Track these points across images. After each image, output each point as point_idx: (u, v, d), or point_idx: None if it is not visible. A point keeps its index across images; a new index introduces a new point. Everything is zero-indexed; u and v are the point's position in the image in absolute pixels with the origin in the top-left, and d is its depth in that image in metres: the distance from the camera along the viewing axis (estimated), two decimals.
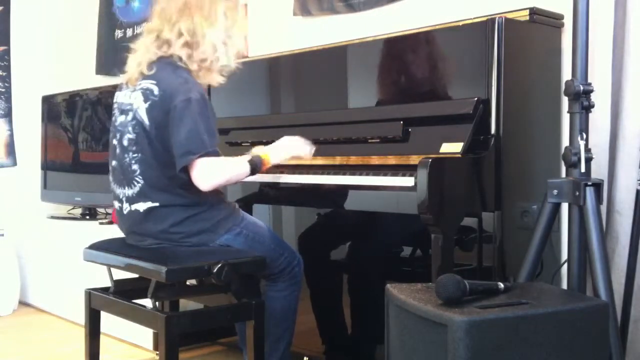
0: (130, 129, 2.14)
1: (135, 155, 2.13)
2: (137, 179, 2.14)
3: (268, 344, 2.24)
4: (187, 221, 2.14)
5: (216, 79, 2.22)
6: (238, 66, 2.26)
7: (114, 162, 2.24)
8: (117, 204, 2.25)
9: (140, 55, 2.18)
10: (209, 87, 2.41)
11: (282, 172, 2.41)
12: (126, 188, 2.18)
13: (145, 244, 2.19)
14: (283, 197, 2.53)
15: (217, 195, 2.23)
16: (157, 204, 2.13)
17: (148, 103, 2.10)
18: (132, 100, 2.15)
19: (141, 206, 2.15)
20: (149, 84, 2.12)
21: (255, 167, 2.16)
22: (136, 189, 2.15)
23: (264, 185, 2.47)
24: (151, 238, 2.17)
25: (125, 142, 2.16)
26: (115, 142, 2.22)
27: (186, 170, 2.07)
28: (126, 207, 2.19)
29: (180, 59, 2.14)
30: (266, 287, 2.30)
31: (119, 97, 2.27)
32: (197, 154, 2.03)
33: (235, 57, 2.24)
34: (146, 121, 2.10)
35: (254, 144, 2.58)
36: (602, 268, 1.76)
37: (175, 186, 2.13)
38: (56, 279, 3.71)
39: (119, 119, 2.22)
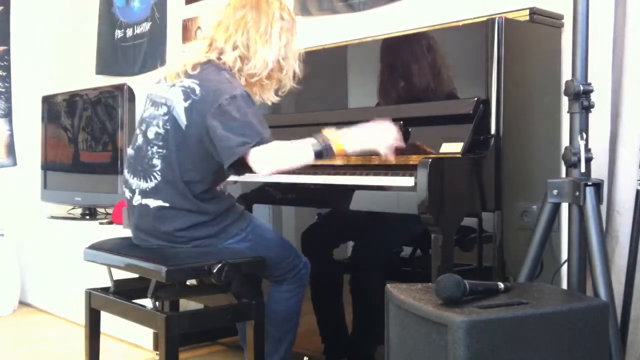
0: (160, 123, 2.12)
1: (160, 150, 2.11)
2: (155, 174, 2.12)
3: (269, 345, 2.24)
4: (192, 228, 2.13)
5: (270, 98, 2.24)
6: (294, 86, 2.25)
7: (131, 151, 2.22)
8: (128, 194, 2.22)
9: (188, 56, 2.17)
10: None
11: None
12: (142, 180, 2.15)
13: (148, 244, 2.18)
14: (283, 197, 2.53)
15: (228, 202, 2.22)
16: (167, 205, 2.11)
17: (188, 102, 2.08)
18: (169, 95, 2.13)
19: (152, 202, 2.13)
20: (191, 83, 2.10)
21: (321, 154, 2.04)
22: (152, 184, 2.13)
23: (264, 185, 2.47)
24: (155, 238, 2.16)
25: (150, 135, 2.14)
26: (138, 131, 2.21)
27: (242, 162, 2.03)
28: (137, 200, 2.17)
29: (231, 68, 2.14)
30: (270, 288, 2.29)
31: (154, 89, 2.23)
32: (253, 142, 2.00)
33: (291, 78, 2.23)
34: (183, 120, 2.08)
35: None
36: (602, 268, 1.76)
37: (189, 191, 2.11)
38: (56, 279, 3.72)
39: (149, 110, 2.20)
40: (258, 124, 2.03)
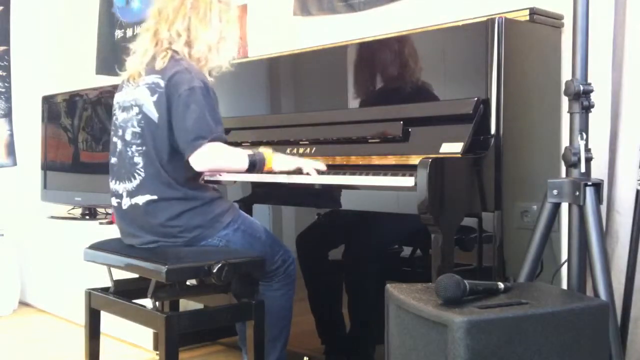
0: (134, 123, 2.18)
1: (139, 148, 2.17)
2: (138, 171, 2.17)
3: (265, 343, 2.24)
4: (184, 215, 2.16)
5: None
6: (229, 68, 2.32)
7: (113, 159, 2.27)
8: (115, 201, 2.26)
9: (140, 54, 2.25)
10: None
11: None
12: (126, 182, 2.20)
13: (142, 241, 2.19)
14: (283, 197, 2.53)
15: (215, 192, 2.27)
16: (155, 197, 2.15)
17: (155, 96, 2.15)
18: (137, 95, 2.19)
19: (141, 199, 2.17)
20: (154, 78, 2.16)
21: (255, 164, 2.18)
22: (136, 182, 2.18)
23: (264, 185, 2.47)
24: (149, 234, 2.17)
25: (128, 137, 2.20)
26: (116, 139, 2.26)
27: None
28: (126, 202, 2.20)
29: (181, 54, 2.20)
30: (261, 287, 2.30)
31: (119, 97, 2.30)
32: (207, 138, 2.09)
33: (228, 59, 2.30)
34: (155, 113, 2.15)
35: (253, 144, 2.59)
36: (602, 268, 1.76)
37: (174, 180, 2.16)
38: (56, 279, 3.72)
39: (120, 116, 2.25)
40: (212, 119, 2.12)
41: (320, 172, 2.22)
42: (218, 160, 2.15)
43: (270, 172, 2.25)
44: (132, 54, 2.29)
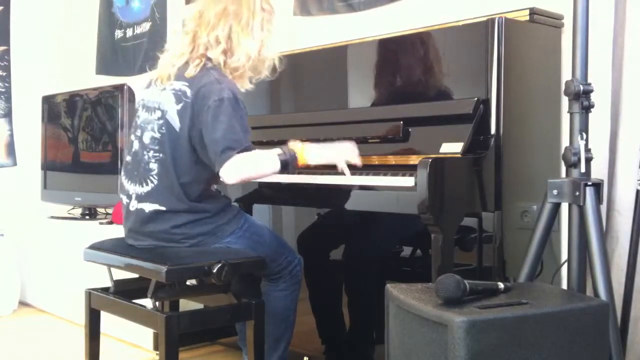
0: (155, 127, 2.13)
1: (157, 155, 2.13)
2: (152, 178, 2.13)
3: (268, 344, 2.24)
4: (189, 224, 2.14)
5: (245, 86, 2.23)
6: (268, 76, 2.25)
7: (128, 157, 2.23)
8: (125, 199, 2.23)
9: (174, 55, 2.18)
10: None
11: None
12: (137, 185, 2.17)
13: (143, 243, 2.19)
14: (283, 197, 2.53)
15: (224, 202, 2.24)
16: (163, 208, 2.13)
17: (180, 105, 2.09)
18: (161, 99, 2.14)
19: (148, 207, 2.14)
20: (182, 85, 2.11)
21: (287, 163, 2.11)
22: (147, 188, 2.14)
23: (264, 185, 2.47)
24: (151, 239, 2.17)
25: (146, 140, 2.15)
26: (133, 138, 2.22)
27: None
28: (133, 205, 2.18)
29: (215, 62, 2.14)
30: (266, 287, 2.30)
31: (145, 94, 2.24)
32: (235, 150, 2.02)
33: (268, 68, 2.23)
34: (177, 123, 2.10)
35: (253, 144, 2.58)
36: (602, 268, 1.76)
37: (185, 194, 2.12)
38: (56, 279, 3.71)
39: (142, 115, 2.20)
40: (241, 130, 2.05)
41: (354, 167, 2.17)
42: (247, 170, 2.07)
43: (307, 167, 2.18)
44: (165, 52, 2.23)
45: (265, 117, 2.84)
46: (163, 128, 2.12)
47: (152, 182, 2.13)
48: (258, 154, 2.12)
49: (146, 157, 2.14)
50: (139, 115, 2.23)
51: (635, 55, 2.16)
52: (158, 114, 2.14)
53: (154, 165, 2.13)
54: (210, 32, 2.14)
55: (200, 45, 2.15)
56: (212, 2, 2.17)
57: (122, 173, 2.26)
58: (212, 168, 2.09)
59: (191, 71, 2.11)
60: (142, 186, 2.15)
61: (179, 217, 2.13)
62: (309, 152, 2.15)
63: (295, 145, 2.16)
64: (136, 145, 2.19)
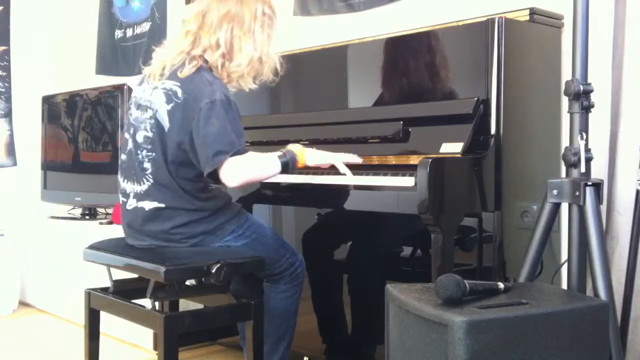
0: (147, 126, 2.13)
1: (150, 154, 2.12)
2: (147, 177, 2.13)
3: (268, 345, 2.24)
4: (189, 224, 2.13)
5: (248, 85, 2.22)
6: (272, 79, 2.24)
7: (123, 156, 2.23)
8: (122, 199, 2.23)
9: (170, 53, 2.17)
10: None
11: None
12: (135, 184, 2.17)
13: (143, 244, 2.19)
14: (283, 197, 2.53)
15: (225, 199, 2.23)
16: (162, 205, 2.12)
17: (171, 105, 2.08)
18: (153, 98, 2.13)
19: (147, 205, 2.14)
20: (172, 85, 2.10)
21: (287, 164, 2.11)
22: (145, 186, 2.14)
23: (263, 185, 2.47)
24: (151, 238, 2.17)
25: (139, 139, 2.15)
26: (127, 136, 2.21)
27: (215, 170, 2.05)
28: (132, 204, 2.18)
29: (211, 65, 2.13)
30: (267, 288, 2.30)
31: (138, 92, 2.24)
32: (228, 153, 2.01)
33: (271, 72, 2.22)
34: (167, 123, 2.09)
35: (253, 144, 2.59)
36: (602, 268, 1.76)
37: (183, 190, 2.12)
38: (56, 279, 3.71)
39: (135, 113, 2.20)
40: (234, 132, 2.04)
41: (354, 167, 2.16)
42: (249, 172, 2.07)
43: (305, 168, 2.18)
44: (161, 47, 2.21)
45: (265, 117, 2.84)
46: (154, 128, 2.11)
47: (148, 180, 2.13)
48: (257, 155, 2.12)
49: (140, 156, 2.14)
50: (131, 113, 2.22)
51: (635, 55, 2.16)
52: (150, 112, 2.13)
53: (147, 165, 2.13)
54: (212, 34, 2.13)
55: (200, 46, 2.14)
56: (216, 4, 2.15)
57: (119, 172, 2.26)
58: (201, 170, 2.08)
59: (186, 71, 2.09)
60: (140, 185, 2.15)
61: (180, 215, 2.12)
62: (308, 153, 2.16)
63: (294, 147, 2.16)
64: (130, 144, 2.19)
